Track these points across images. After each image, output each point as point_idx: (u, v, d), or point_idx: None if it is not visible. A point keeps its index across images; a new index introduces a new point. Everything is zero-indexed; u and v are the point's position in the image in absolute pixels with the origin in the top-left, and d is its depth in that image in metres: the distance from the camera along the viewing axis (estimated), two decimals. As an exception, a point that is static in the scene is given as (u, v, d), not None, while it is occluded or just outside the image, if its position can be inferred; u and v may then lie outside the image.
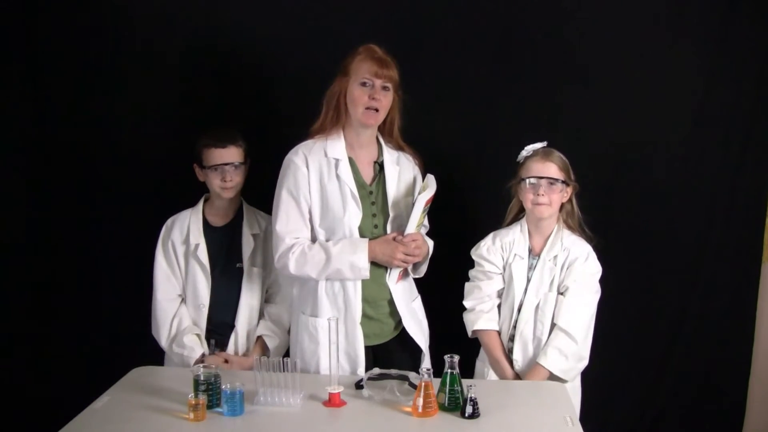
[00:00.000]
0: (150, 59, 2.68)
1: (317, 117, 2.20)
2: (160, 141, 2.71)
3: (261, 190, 2.41)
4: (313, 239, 2.18)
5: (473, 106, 2.65)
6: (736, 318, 2.72)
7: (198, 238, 2.33)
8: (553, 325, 2.19)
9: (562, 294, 2.20)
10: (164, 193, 2.60)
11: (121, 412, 1.84)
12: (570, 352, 2.15)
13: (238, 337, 2.34)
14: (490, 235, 2.30)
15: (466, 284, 2.31)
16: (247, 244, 2.37)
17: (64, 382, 2.76)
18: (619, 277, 2.35)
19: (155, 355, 2.35)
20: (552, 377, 2.16)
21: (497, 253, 2.26)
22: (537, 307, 2.20)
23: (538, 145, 2.24)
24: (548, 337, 2.18)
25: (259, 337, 2.36)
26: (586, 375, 2.27)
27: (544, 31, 2.59)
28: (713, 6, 2.57)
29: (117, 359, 2.16)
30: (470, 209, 2.60)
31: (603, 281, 2.26)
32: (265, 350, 2.36)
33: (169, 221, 2.38)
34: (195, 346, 2.27)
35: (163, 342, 2.31)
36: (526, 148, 2.25)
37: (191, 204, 2.41)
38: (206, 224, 2.37)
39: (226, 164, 2.29)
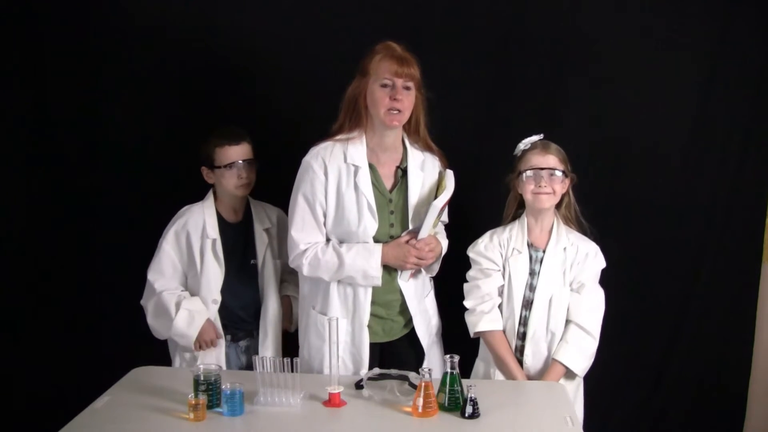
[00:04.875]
0: (151, 59, 2.68)
1: (331, 115, 2.18)
2: (161, 142, 2.71)
3: (264, 189, 2.42)
4: (328, 240, 2.17)
5: (473, 106, 2.65)
6: (736, 318, 2.72)
7: (215, 234, 2.32)
8: (567, 321, 2.18)
9: (573, 290, 2.20)
10: (165, 193, 2.59)
11: (121, 412, 1.84)
12: (591, 351, 2.17)
13: (270, 333, 2.34)
14: (488, 234, 2.29)
15: (465, 285, 2.29)
16: (261, 241, 2.37)
17: (64, 382, 2.76)
18: (619, 277, 2.35)
19: (155, 355, 2.36)
20: (567, 373, 2.17)
21: (495, 249, 2.24)
22: (550, 300, 2.18)
23: (535, 138, 2.23)
24: (564, 334, 2.17)
25: (286, 297, 2.39)
26: (586, 374, 2.27)
27: (544, 32, 2.60)
28: (713, 6, 2.57)
29: (117, 359, 2.16)
30: (471, 207, 2.60)
31: (603, 281, 2.26)
32: (290, 311, 2.39)
33: (180, 217, 2.34)
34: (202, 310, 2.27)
35: (171, 305, 2.25)
36: (523, 141, 2.24)
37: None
38: (221, 219, 2.37)
39: (242, 161, 2.29)
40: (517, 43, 2.62)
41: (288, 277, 2.47)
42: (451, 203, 2.29)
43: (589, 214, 2.29)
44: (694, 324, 2.72)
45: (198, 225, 2.32)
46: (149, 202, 2.65)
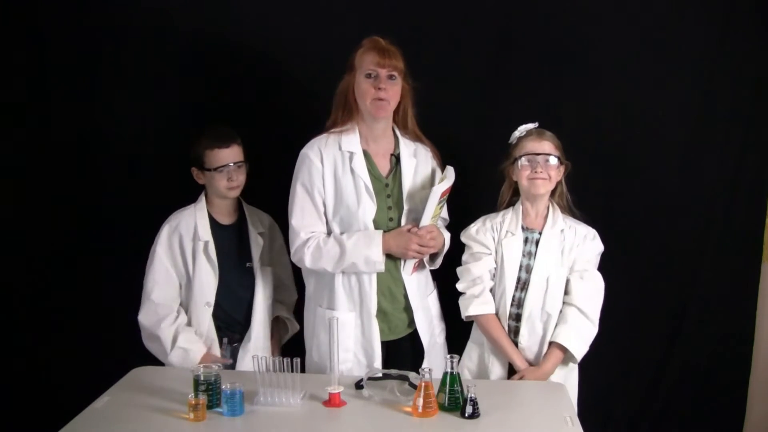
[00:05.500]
0: (150, 60, 2.68)
1: (328, 114, 2.22)
2: (160, 141, 2.71)
3: (260, 189, 2.42)
4: (329, 232, 2.19)
5: (474, 104, 2.65)
6: (736, 318, 2.72)
7: (207, 236, 2.31)
8: (567, 305, 2.19)
9: (573, 272, 2.20)
10: (164, 193, 2.59)
11: (121, 412, 1.84)
12: (590, 336, 2.17)
13: (253, 336, 2.32)
14: (480, 218, 2.30)
15: (458, 268, 2.29)
16: (255, 244, 2.37)
17: (64, 382, 2.76)
18: (618, 277, 2.35)
19: (155, 355, 2.35)
20: (564, 358, 2.18)
21: (486, 233, 2.25)
22: (547, 281, 2.18)
23: (530, 126, 2.25)
24: (564, 317, 2.17)
25: (277, 318, 2.41)
26: (586, 374, 2.28)
27: (545, 31, 2.60)
28: (713, 6, 2.57)
29: (117, 359, 2.16)
30: (472, 206, 2.59)
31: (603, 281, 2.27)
32: (281, 334, 2.41)
33: (171, 220, 2.34)
34: (197, 344, 2.27)
35: (168, 341, 2.24)
36: (518, 128, 2.26)
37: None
38: (213, 222, 2.36)
39: (232, 164, 2.28)
40: (516, 40, 2.62)
41: (281, 295, 2.46)
42: (452, 202, 2.30)
43: (589, 213, 2.29)
44: (694, 324, 2.72)
45: (189, 227, 2.31)
46: (149, 202, 2.64)
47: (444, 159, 2.32)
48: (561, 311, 2.19)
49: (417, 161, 2.25)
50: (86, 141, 2.75)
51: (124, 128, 2.73)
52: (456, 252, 2.33)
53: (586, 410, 2.26)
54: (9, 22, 2.69)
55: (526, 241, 2.23)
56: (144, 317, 2.29)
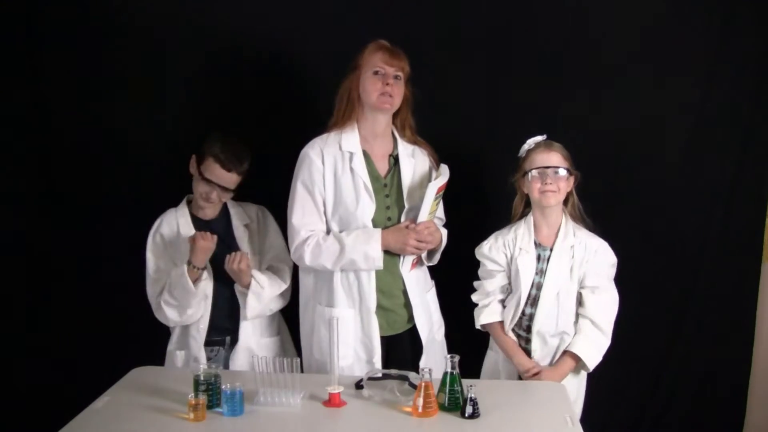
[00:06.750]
0: (152, 59, 2.68)
1: (329, 114, 2.26)
2: (162, 141, 2.70)
3: (260, 189, 2.42)
4: (328, 231, 2.22)
5: (475, 105, 2.65)
6: (736, 318, 2.72)
7: (191, 232, 2.29)
8: (581, 317, 2.21)
9: (585, 287, 2.22)
10: (166, 193, 2.59)
11: (121, 412, 1.84)
12: (603, 348, 2.21)
13: (242, 335, 2.31)
14: (493, 235, 2.32)
15: (475, 282, 2.35)
16: (241, 234, 2.36)
17: (64, 381, 2.76)
18: (618, 277, 2.35)
19: (155, 355, 2.36)
20: (576, 367, 2.21)
21: (499, 250, 2.27)
22: (557, 297, 2.20)
23: (539, 138, 2.27)
24: (579, 328, 2.21)
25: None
26: (588, 374, 2.28)
27: (545, 31, 2.60)
28: (714, 6, 2.57)
29: (117, 359, 2.16)
30: (474, 207, 2.60)
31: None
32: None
33: (155, 224, 2.35)
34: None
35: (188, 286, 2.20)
36: (527, 141, 2.28)
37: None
38: (197, 220, 2.35)
39: (220, 186, 2.27)
40: (517, 43, 2.61)
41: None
42: (454, 203, 2.30)
43: (589, 213, 2.30)
44: (694, 324, 2.72)
45: (172, 226, 2.33)
46: (149, 202, 2.64)
47: (446, 161, 2.32)
48: (576, 323, 2.23)
49: (415, 161, 2.29)
50: (88, 141, 2.74)
51: (125, 128, 2.72)
52: (453, 251, 2.35)
53: (586, 411, 2.27)
54: (9, 21, 2.69)
55: (538, 258, 2.24)
56: (156, 311, 2.29)
